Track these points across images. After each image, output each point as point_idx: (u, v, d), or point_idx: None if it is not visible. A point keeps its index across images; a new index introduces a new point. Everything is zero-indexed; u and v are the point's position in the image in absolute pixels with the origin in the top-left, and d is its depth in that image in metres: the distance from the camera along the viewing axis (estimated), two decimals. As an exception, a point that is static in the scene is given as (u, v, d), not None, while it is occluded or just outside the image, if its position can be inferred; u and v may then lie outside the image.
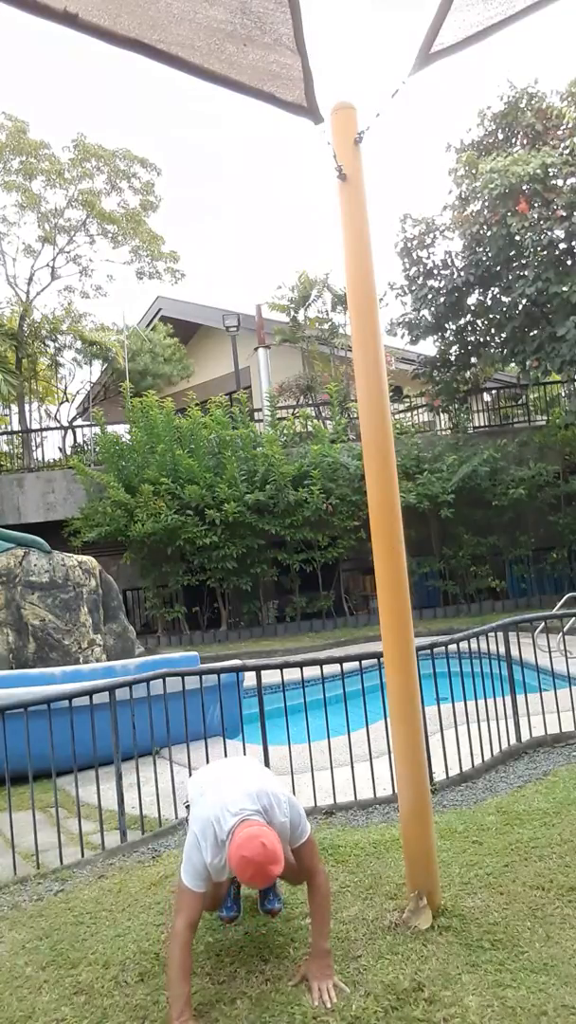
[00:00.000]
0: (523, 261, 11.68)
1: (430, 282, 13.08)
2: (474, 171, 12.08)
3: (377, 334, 3.04)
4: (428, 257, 13.10)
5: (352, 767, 4.54)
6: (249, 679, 6.11)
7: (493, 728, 5.12)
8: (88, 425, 16.82)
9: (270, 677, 4.76)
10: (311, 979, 2.49)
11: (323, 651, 10.51)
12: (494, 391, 17.65)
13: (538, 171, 10.74)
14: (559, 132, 11.95)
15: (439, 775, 4.65)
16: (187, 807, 3.52)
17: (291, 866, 2.63)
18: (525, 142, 12.52)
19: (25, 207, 16.55)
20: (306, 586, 13.16)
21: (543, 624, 7.96)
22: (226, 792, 2.54)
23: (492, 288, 12.84)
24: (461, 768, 4.77)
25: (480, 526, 13.18)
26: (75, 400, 19.52)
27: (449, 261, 13.03)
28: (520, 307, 12.12)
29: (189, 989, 2.38)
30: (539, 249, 11.27)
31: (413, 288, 13.24)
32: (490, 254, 12.00)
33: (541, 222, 11.14)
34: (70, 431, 16.98)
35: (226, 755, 4.63)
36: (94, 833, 4.27)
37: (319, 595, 13.00)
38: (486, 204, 11.68)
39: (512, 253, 11.67)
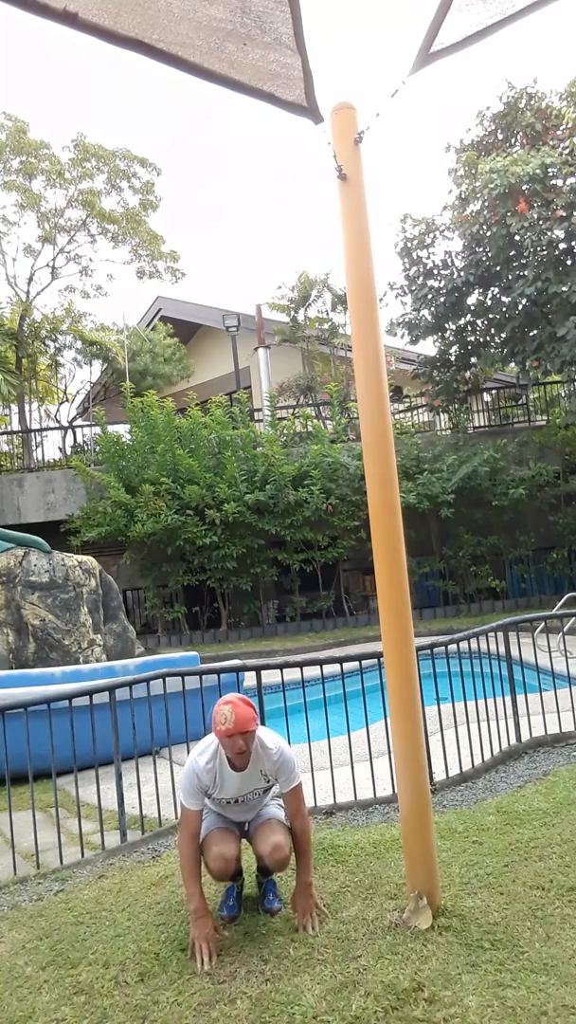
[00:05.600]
0: (523, 261, 11.68)
1: (430, 282, 13.07)
2: (474, 171, 12.09)
3: (377, 334, 3.03)
4: (428, 257, 13.11)
5: (352, 767, 4.54)
6: (249, 679, 6.11)
7: (493, 728, 5.11)
8: (88, 425, 16.82)
9: (270, 677, 4.76)
10: (295, 909, 2.85)
11: (323, 651, 10.51)
12: (494, 391, 17.65)
13: (538, 171, 10.75)
14: (558, 132, 11.96)
15: (439, 775, 4.65)
16: None
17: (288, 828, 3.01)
18: (525, 142, 12.53)
19: (25, 207, 16.56)
20: (306, 586, 13.16)
21: (543, 624, 7.97)
22: None
23: (492, 288, 12.84)
24: (461, 768, 4.77)
25: (480, 526, 13.17)
26: (75, 400, 19.52)
27: (449, 261, 13.03)
28: (520, 307, 12.12)
29: (200, 887, 2.86)
30: (539, 249, 11.27)
31: (413, 288, 13.24)
32: (490, 254, 12.00)
33: (541, 222, 11.14)
34: (70, 431, 16.96)
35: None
36: (94, 833, 4.27)
37: (319, 595, 13.00)
38: (486, 204, 11.68)
39: (512, 253, 11.68)
